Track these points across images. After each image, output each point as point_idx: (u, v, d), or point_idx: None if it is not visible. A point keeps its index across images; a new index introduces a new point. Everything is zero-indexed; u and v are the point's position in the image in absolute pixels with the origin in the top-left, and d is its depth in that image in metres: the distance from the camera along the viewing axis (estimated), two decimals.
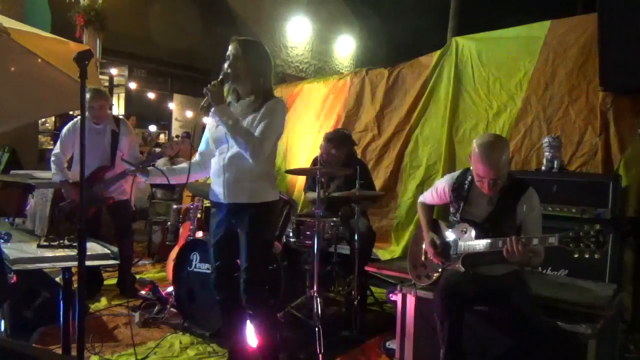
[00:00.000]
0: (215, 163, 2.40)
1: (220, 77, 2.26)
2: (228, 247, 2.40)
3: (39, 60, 4.38)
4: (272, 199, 2.37)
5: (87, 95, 3.72)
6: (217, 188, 2.38)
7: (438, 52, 4.83)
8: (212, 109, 2.22)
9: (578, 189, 3.23)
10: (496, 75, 4.37)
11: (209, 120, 2.41)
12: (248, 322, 2.46)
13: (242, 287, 2.31)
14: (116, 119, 3.95)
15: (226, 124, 2.19)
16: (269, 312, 2.43)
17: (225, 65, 2.29)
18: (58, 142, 3.85)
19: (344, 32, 13.62)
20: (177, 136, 9.02)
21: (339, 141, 3.83)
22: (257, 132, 2.22)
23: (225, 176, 2.33)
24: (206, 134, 2.49)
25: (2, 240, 2.45)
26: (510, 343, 2.28)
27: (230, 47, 2.31)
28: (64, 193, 3.76)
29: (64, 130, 3.84)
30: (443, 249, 2.51)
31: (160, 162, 6.71)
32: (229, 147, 2.32)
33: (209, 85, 2.19)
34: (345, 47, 13.79)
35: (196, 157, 2.52)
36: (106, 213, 3.90)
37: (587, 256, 1.98)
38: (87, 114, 3.69)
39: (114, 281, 4.14)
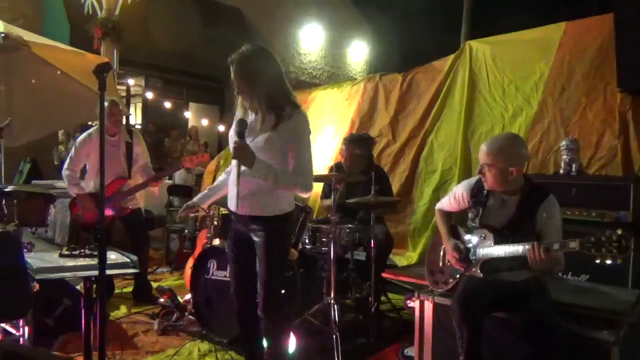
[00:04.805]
0: (233, 171, 2.32)
1: (238, 131, 2.15)
2: (244, 255, 2.38)
3: (58, 72, 4.49)
4: (287, 210, 2.31)
5: (106, 104, 3.76)
6: (232, 197, 2.33)
7: (452, 56, 4.82)
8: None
9: (598, 192, 3.18)
10: (511, 78, 4.33)
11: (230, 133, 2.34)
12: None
13: (259, 299, 2.29)
14: (128, 130, 3.96)
15: (266, 180, 2.14)
16: (283, 321, 2.41)
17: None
18: (69, 156, 3.77)
19: (356, 37, 13.64)
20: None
21: (360, 142, 3.87)
22: (292, 166, 2.17)
23: (239, 187, 2.20)
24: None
25: (25, 250, 2.50)
26: (530, 350, 2.23)
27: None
28: (80, 206, 3.75)
29: (78, 141, 3.80)
30: (465, 255, 2.48)
31: (178, 173, 6.82)
32: None
33: (235, 145, 2.12)
34: (358, 52, 13.80)
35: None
36: (119, 223, 3.87)
37: (609, 262, 1.93)
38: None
39: (130, 289, 4.19)
